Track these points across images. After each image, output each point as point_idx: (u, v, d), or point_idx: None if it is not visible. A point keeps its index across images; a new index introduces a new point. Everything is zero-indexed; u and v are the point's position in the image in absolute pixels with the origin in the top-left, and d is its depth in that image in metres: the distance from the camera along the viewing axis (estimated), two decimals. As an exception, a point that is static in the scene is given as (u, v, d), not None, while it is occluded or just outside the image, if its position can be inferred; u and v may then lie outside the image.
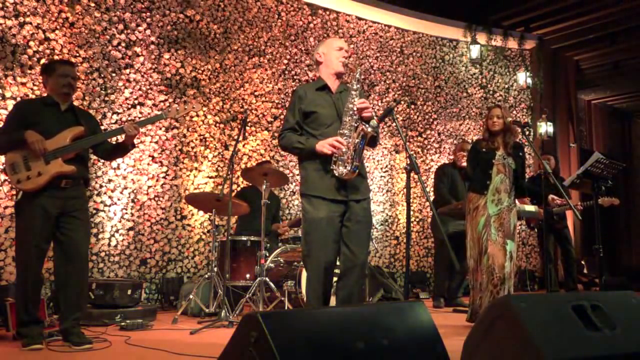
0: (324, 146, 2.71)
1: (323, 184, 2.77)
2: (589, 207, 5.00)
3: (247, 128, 5.76)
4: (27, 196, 3.02)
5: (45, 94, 3.32)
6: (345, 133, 2.74)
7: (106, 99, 4.93)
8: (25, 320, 3.04)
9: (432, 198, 5.74)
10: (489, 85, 7.84)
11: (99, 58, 4.91)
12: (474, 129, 7.55)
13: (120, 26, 5.05)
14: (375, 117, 2.77)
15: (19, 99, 4.39)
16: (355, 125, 2.74)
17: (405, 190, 3.51)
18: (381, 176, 6.85)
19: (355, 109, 2.75)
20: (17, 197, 3.07)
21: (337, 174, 2.72)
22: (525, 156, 4.10)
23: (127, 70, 5.07)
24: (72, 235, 3.09)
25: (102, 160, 4.64)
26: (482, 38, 7.66)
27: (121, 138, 3.32)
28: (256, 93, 5.93)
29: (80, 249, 3.12)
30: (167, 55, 5.31)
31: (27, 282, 3.04)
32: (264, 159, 5.68)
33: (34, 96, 4.47)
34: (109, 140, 3.37)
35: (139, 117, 5.08)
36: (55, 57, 4.60)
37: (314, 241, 2.74)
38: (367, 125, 2.70)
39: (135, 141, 4.95)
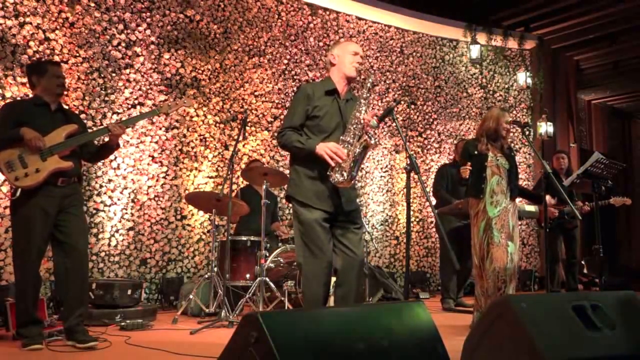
0: (324, 150, 2.66)
1: (314, 192, 2.74)
2: (598, 207, 4.99)
3: (247, 128, 5.76)
4: (24, 195, 3.01)
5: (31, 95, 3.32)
6: (347, 141, 2.70)
7: (106, 99, 4.93)
8: (25, 320, 3.05)
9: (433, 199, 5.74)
10: (489, 85, 7.84)
11: (99, 58, 4.91)
12: (474, 129, 7.55)
13: (120, 26, 5.05)
14: (375, 118, 2.75)
15: (18, 98, 4.39)
16: (359, 134, 2.71)
17: (405, 190, 3.51)
18: (381, 176, 6.85)
19: (362, 119, 2.71)
20: (15, 196, 3.04)
21: (333, 181, 2.68)
22: (515, 155, 4.06)
23: (127, 70, 5.07)
24: (69, 233, 3.10)
25: (101, 161, 4.64)
26: (482, 38, 7.66)
27: (107, 138, 3.33)
28: (256, 93, 5.93)
29: (78, 245, 3.12)
30: (167, 55, 5.31)
31: (26, 283, 3.05)
32: (253, 159, 5.65)
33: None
34: (94, 142, 3.39)
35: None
36: (56, 58, 4.60)
37: (313, 242, 2.70)
38: (370, 136, 2.67)
39: (135, 141, 5.02)
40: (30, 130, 2.99)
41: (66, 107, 3.49)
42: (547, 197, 4.79)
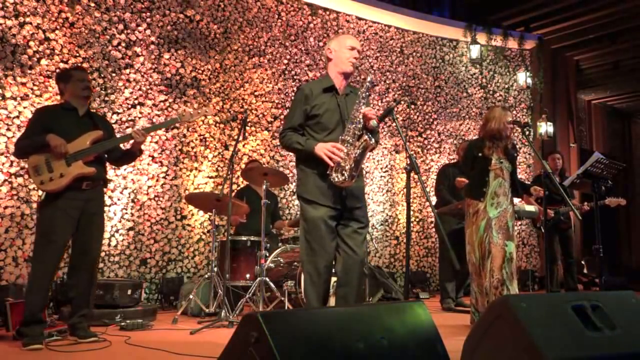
0: (322, 151, 2.68)
1: (320, 189, 2.75)
2: (598, 207, 4.97)
3: (247, 128, 5.76)
4: (49, 198, 3.14)
5: (61, 102, 3.44)
6: (347, 140, 2.70)
7: (106, 99, 4.93)
8: (29, 319, 3.09)
9: (433, 199, 5.75)
10: (489, 85, 7.84)
11: (99, 58, 4.91)
12: (474, 129, 7.55)
13: (120, 26, 5.05)
14: (375, 118, 2.74)
15: (19, 99, 4.40)
16: (359, 133, 2.70)
17: (405, 190, 3.51)
18: (381, 176, 6.85)
19: (360, 117, 2.72)
20: (41, 199, 3.22)
21: (333, 181, 2.69)
22: (516, 155, 4.04)
23: (127, 70, 5.07)
24: (87, 240, 3.24)
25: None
26: (482, 38, 7.66)
27: (130, 144, 3.46)
28: (256, 93, 5.93)
29: (92, 251, 3.27)
30: (167, 55, 5.31)
31: (39, 284, 3.12)
32: (251, 159, 5.64)
33: (33, 96, 4.48)
34: (119, 146, 3.51)
35: (139, 117, 5.09)
36: (56, 58, 4.61)
37: (315, 240, 2.73)
38: (371, 137, 2.67)
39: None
40: (56, 137, 3.10)
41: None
42: (533, 187, 4.79)
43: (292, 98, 2.98)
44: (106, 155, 3.43)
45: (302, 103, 2.82)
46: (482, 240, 3.73)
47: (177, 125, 5.33)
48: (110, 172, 4.90)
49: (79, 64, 4.77)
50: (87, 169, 3.17)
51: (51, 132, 3.12)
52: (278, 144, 5.85)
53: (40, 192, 4.42)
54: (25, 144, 3.17)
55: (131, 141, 3.39)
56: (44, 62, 4.56)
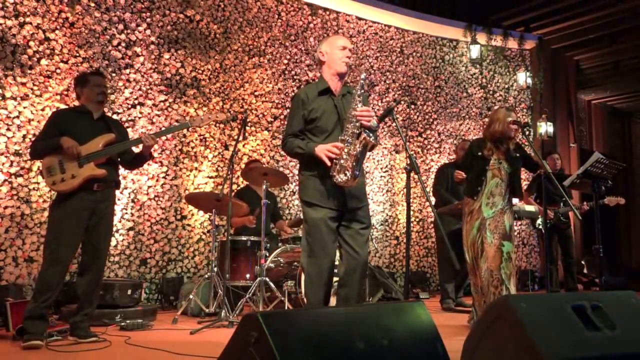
0: (322, 151, 2.70)
1: (320, 192, 2.76)
2: (598, 207, 4.96)
3: (247, 128, 5.76)
4: (61, 198, 3.20)
5: (76, 104, 3.54)
6: (346, 139, 2.70)
7: (106, 99, 4.93)
8: (33, 314, 3.10)
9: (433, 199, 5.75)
10: (489, 85, 7.84)
11: (99, 58, 4.91)
12: (474, 129, 7.55)
13: (120, 26, 5.05)
14: (375, 118, 2.74)
15: (19, 99, 4.40)
16: (357, 132, 2.70)
17: (405, 190, 3.51)
18: (381, 176, 6.85)
19: (354, 115, 2.71)
20: (53, 199, 3.30)
21: (337, 182, 2.69)
22: (527, 153, 4.02)
23: (127, 70, 5.07)
24: (95, 239, 3.28)
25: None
26: (482, 38, 7.66)
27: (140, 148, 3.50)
28: (256, 93, 5.93)
29: (100, 251, 3.32)
30: (167, 55, 5.31)
31: (48, 283, 3.14)
32: (251, 159, 5.64)
33: (33, 96, 4.48)
34: (132, 149, 3.56)
35: (139, 117, 5.09)
36: (56, 58, 4.62)
37: (316, 241, 2.73)
38: (369, 134, 2.67)
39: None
40: (69, 139, 3.17)
41: (110, 115, 3.83)
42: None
43: (290, 103, 2.99)
44: (119, 159, 3.47)
45: (299, 109, 2.84)
46: (474, 241, 3.72)
47: (177, 124, 5.33)
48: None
49: (80, 64, 4.77)
50: (98, 170, 3.22)
51: (66, 135, 3.19)
52: (278, 144, 5.86)
53: (40, 193, 4.43)
54: (41, 145, 3.23)
55: (140, 145, 3.44)
56: (44, 62, 4.56)
